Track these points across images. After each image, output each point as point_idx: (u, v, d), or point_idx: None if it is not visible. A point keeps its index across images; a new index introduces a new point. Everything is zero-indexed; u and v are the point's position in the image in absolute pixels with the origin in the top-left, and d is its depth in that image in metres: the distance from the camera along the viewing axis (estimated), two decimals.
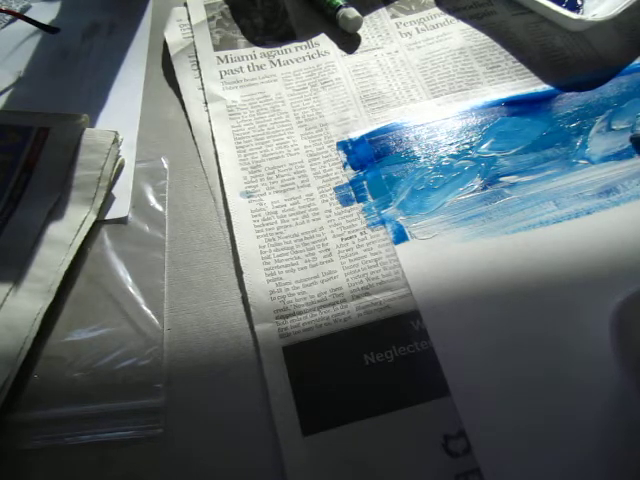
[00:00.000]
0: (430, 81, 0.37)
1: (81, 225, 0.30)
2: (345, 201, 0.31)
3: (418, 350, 0.26)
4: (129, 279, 0.29)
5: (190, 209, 0.32)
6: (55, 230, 0.30)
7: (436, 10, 0.41)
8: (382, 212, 0.31)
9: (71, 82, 0.38)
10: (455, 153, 0.33)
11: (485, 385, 0.25)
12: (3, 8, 0.42)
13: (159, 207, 0.32)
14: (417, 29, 0.40)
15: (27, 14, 0.42)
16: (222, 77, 0.38)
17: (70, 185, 0.31)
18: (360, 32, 0.40)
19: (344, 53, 0.39)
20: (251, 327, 0.27)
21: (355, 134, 0.34)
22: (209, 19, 0.41)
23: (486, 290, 0.28)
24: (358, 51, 0.39)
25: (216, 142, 0.34)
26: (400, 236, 0.30)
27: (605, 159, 0.32)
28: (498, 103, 0.35)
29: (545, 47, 0.38)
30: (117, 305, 0.28)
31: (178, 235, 0.31)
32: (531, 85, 0.36)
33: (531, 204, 0.30)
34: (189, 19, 0.40)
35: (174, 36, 0.40)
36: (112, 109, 0.37)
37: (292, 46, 0.39)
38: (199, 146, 0.35)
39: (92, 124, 0.35)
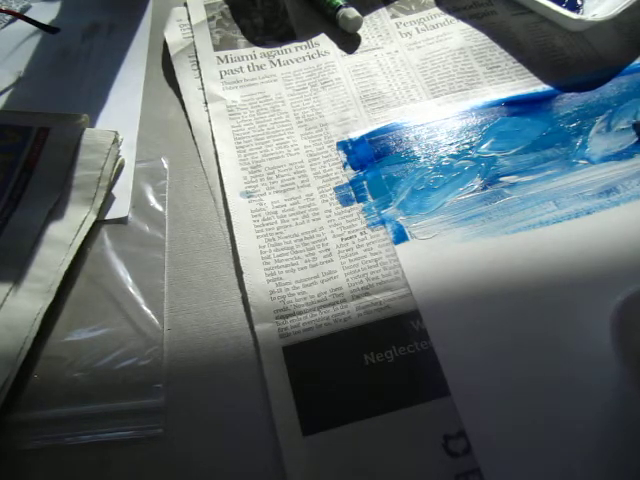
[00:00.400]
0: (430, 81, 0.37)
1: (81, 225, 0.30)
2: (345, 201, 0.31)
3: (418, 350, 0.26)
4: (129, 279, 0.29)
5: (190, 209, 0.32)
6: (55, 230, 0.30)
7: (436, 10, 0.41)
8: (382, 212, 0.31)
9: (71, 82, 0.38)
10: (455, 153, 0.33)
11: (485, 385, 0.25)
12: (3, 8, 0.42)
13: (159, 207, 0.32)
14: (417, 29, 0.40)
15: (27, 14, 0.42)
16: (222, 77, 0.38)
17: (70, 185, 0.31)
18: (360, 32, 0.40)
19: (344, 53, 0.39)
20: (251, 327, 0.27)
21: (355, 134, 0.34)
22: (209, 19, 0.41)
23: (486, 290, 0.28)
24: (358, 51, 0.39)
25: (216, 142, 0.34)
26: (400, 236, 0.30)
27: (605, 159, 0.32)
28: (498, 103, 0.35)
29: (545, 47, 0.38)
30: (117, 305, 0.28)
31: (178, 235, 0.31)
32: (531, 85, 0.36)
33: (531, 204, 0.30)
34: (189, 19, 0.40)
35: (174, 36, 0.40)
36: (112, 109, 0.37)
37: (292, 46, 0.39)
38: (199, 146, 0.35)
39: (92, 124, 0.35)
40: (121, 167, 0.34)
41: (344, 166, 0.33)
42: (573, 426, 0.24)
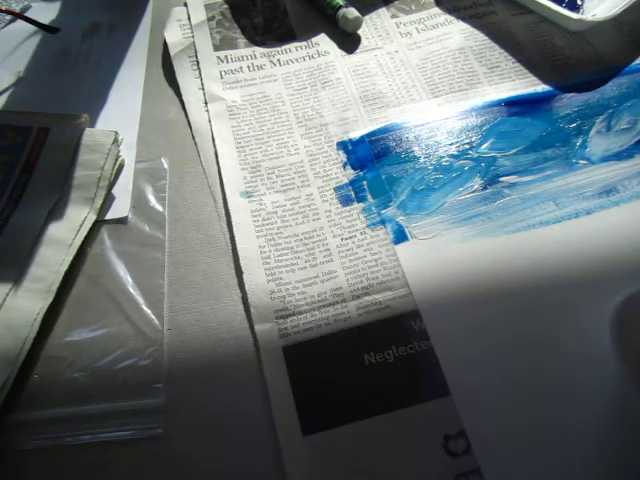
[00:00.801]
0: (430, 81, 0.37)
1: (81, 225, 0.30)
2: (345, 201, 0.31)
3: (418, 350, 0.26)
4: (129, 279, 0.29)
5: (190, 209, 0.32)
6: (55, 230, 0.30)
7: (436, 10, 0.41)
8: (382, 212, 0.31)
9: (71, 82, 0.38)
10: (455, 153, 0.33)
11: (485, 385, 0.25)
12: (3, 8, 0.42)
13: (159, 207, 0.32)
14: (417, 29, 0.40)
15: (27, 14, 0.42)
16: (222, 77, 0.38)
17: (70, 185, 0.31)
18: (360, 32, 0.40)
19: (344, 53, 0.39)
20: (251, 327, 0.27)
21: (355, 134, 0.34)
22: (209, 19, 0.41)
23: (486, 290, 0.28)
24: (358, 51, 0.39)
25: (216, 142, 0.34)
26: (400, 236, 0.30)
27: (605, 159, 0.32)
28: (498, 103, 0.35)
29: (545, 47, 0.38)
30: (117, 305, 0.28)
31: (178, 235, 0.31)
32: (531, 85, 0.36)
33: (531, 204, 0.30)
34: (189, 19, 0.40)
35: (174, 36, 0.40)
36: (112, 109, 0.37)
37: (292, 46, 0.39)
38: (199, 146, 0.35)
39: (92, 124, 0.35)
40: (121, 167, 0.34)
41: (344, 166, 0.33)
42: (573, 426, 0.24)
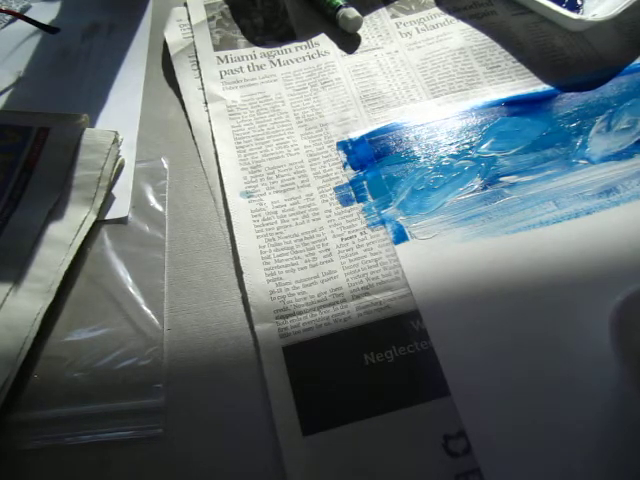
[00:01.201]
0: (430, 81, 0.37)
1: (81, 225, 0.30)
2: (345, 201, 0.31)
3: (418, 350, 0.26)
4: (129, 279, 0.29)
5: (190, 209, 0.32)
6: (55, 230, 0.30)
7: (436, 10, 0.41)
8: (382, 212, 0.31)
9: (71, 82, 0.38)
10: (455, 153, 0.33)
11: (485, 385, 0.25)
12: (3, 8, 0.42)
13: (159, 207, 0.32)
14: (417, 29, 0.40)
15: (27, 14, 0.42)
16: (222, 77, 0.38)
17: (70, 185, 0.31)
18: (360, 32, 0.40)
19: (344, 53, 0.39)
20: (251, 327, 0.27)
21: (355, 134, 0.34)
22: (209, 19, 0.41)
23: (486, 290, 0.28)
24: (358, 51, 0.39)
25: (216, 142, 0.34)
26: (400, 236, 0.30)
27: (605, 159, 0.32)
28: (498, 103, 0.35)
29: (545, 47, 0.38)
30: (117, 305, 0.28)
31: (178, 235, 0.31)
32: (531, 85, 0.36)
33: (531, 204, 0.30)
34: (189, 19, 0.40)
35: (174, 36, 0.40)
36: (112, 109, 0.37)
37: (292, 46, 0.39)
38: (199, 146, 0.35)
39: (92, 124, 0.35)
40: (121, 167, 0.34)
41: (344, 166, 0.33)
42: (573, 426, 0.24)
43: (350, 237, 0.30)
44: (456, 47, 0.38)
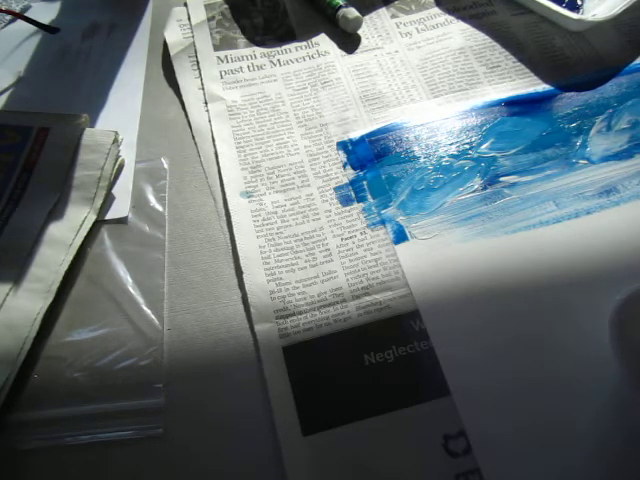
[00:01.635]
0: (430, 81, 0.37)
1: (81, 225, 0.30)
2: (345, 201, 0.31)
3: (418, 350, 0.26)
4: (129, 279, 0.29)
5: (190, 209, 0.32)
6: (55, 230, 0.30)
7: (436, 10, 0.41)
8: (382, 212, 0.31)
9: (71, 82, 0.38)
10: (455, 153, 0.33)
11: (485, 385, 0.25)
12: (3, 8, 0.42)
13: (159, 207, 0.32)
14: (417, 29, 0.40)
15: (27, 14, 0.42)
16: (222, 77, 0.38)
17: (70, 185, 0.31)
18: (360, 32, 0.40)
19: (344, 53, 0.39)
20: (251, 327, 0.27)
21: (355, 134, 0.34)
22: (209, 19, 0.41)
23: (486, 290, 0.28)
24: (358, 51, 0.39)
25: (216, 142, 0.34)
26: (400, 236, 0.30)
27: (605, 159, 0.32)
28: (498, 103, 0.35)
29: (545, 47, 0.38)
30: (117, 305, 0.28)
31: (178, 235, 0.31)
32: (531, 85, 0.36)
33: (531, 204, 0.30)
34: (189, 19, 0.40)
35: (174, 36, 0.40)
36: (112, 109, 0.37)
37: (292, 46, 0.39)
38: (199, 146, 0.35)
39: (92, 124, 0.35)
40: (121, 167, 0.34)
41: (344, 166, 0.33)
42: (573, 426, 0.24)
43: (350, 237, 0.30)
44: (456, 47, 0.38)
